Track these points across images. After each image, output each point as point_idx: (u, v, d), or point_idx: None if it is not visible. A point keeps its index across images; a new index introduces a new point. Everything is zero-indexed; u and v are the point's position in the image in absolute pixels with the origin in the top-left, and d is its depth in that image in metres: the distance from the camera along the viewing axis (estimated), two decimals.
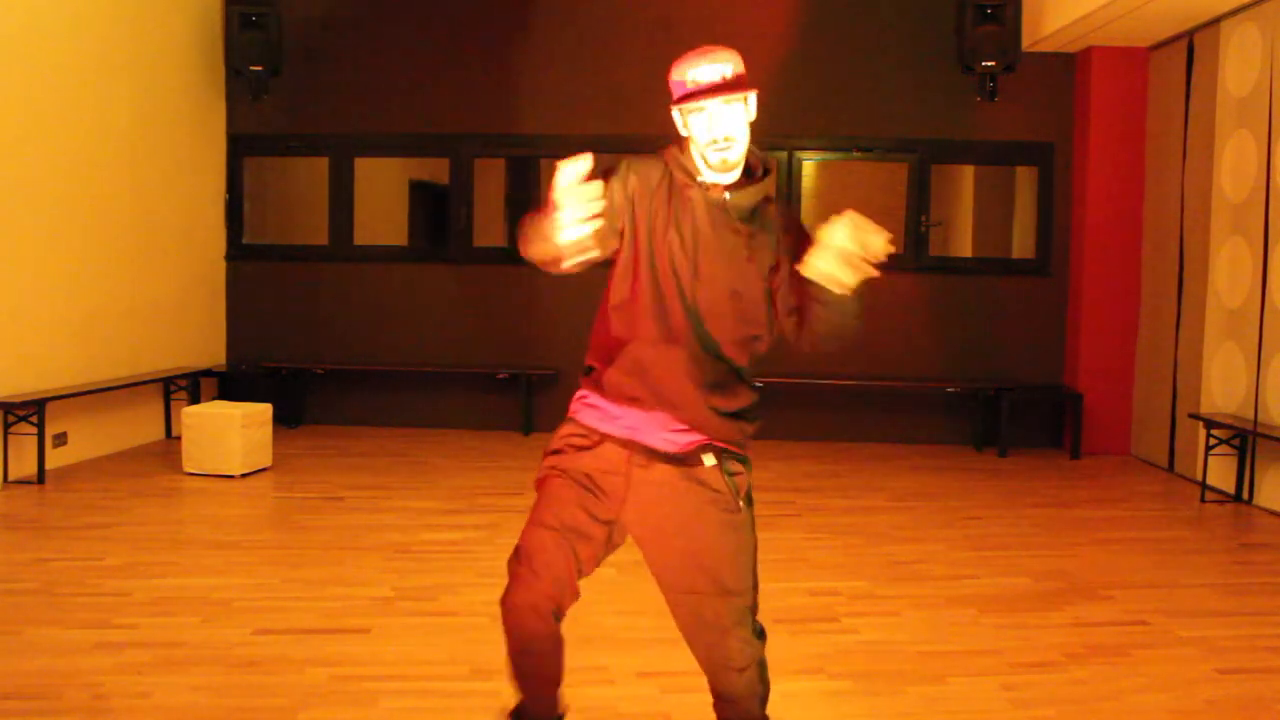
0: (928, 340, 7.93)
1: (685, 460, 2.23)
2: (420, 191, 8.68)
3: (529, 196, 8.45)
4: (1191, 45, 6.93)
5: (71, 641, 3.54)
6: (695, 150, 2.22)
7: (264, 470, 6.37)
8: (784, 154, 8.00)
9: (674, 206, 2.24)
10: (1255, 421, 6.03)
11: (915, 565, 4.75)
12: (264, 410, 6.43)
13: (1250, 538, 5.52)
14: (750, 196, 2.24)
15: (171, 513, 5.53)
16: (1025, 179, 8.10)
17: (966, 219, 8.54)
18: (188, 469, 6.20)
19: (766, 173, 2.29)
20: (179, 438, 6.52)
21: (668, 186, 2.25)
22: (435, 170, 8.31)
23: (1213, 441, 6.15)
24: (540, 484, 2.33)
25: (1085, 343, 7.70)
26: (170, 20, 7.45)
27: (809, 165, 8.07)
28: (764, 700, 2.34)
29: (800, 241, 2.17)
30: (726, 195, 2.22)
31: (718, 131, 2.17)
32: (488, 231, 8.23)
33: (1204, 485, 6.26)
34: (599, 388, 2.28)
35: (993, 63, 7.27)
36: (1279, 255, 5.94)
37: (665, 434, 2.23)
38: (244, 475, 6.17)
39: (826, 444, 7.79)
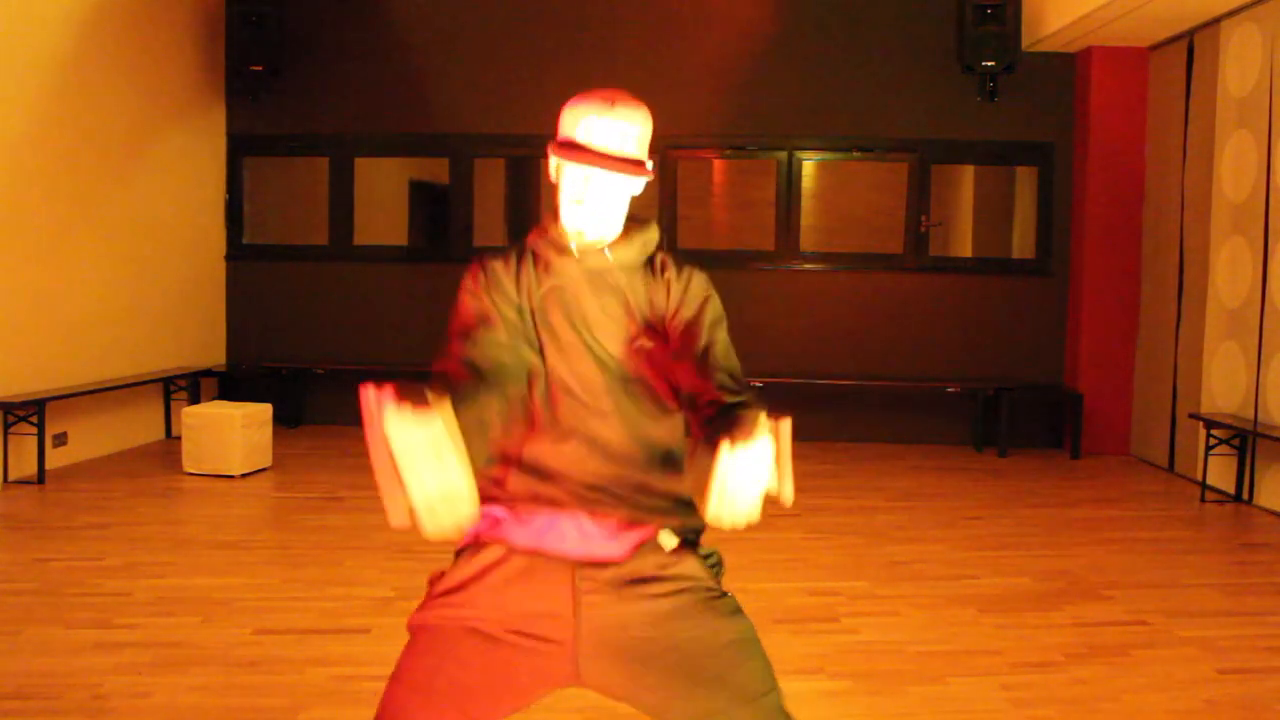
0: (928, 340, 7.93)
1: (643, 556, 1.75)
2: (420, 191, 8.68)
3: (529, 197, 8.46)
4: (1191, 45, 6.93)
5: (71, 641, 3.54)
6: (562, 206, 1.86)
7: (264, 470, 6.37)
8: (784, 154, 8.00)
9: (547, 286, 1.85)
10: (1255, 421, 6.02)
11: (915, 565, 4.75)
12: (264, 410, 6.43)
13: (1250, 538, 5.52)
14: (635, 251, 1.88)
15: (171, 513, 5.53)
16: (1025, 179, 8.10)
17: (966, 219, 8.54)
18: (188, 469, 6.20)
19: (645, 224, 1.92)
20: (179, 438, 6.52)
21: (531, 268, 1.87)
22: (435, 170, 8.31)
23: (1213, 441, 6.15)
24: (425, 631, 1.74)
25: (1085, 343, 7.70)
26: (170, 20, 7.45)
27: (809, 165, 8.07)
28: None
29: (692, 307, 1.83)
30: (607, 253, 1.85)
31: (591, 200, 1.80)
32: (487, 231, 8.23)
33: (1204, 485, 6.25)
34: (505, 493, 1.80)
35: (993, 63, 7.27)
36: (1279, 255, 5.94)
37: (607, 539, 1.75)
38: (244, 475, 6.17)
39: (826, 444, 7.79)
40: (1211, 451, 6.16)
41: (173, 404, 7.47)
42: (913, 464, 7.19)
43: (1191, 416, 6.61)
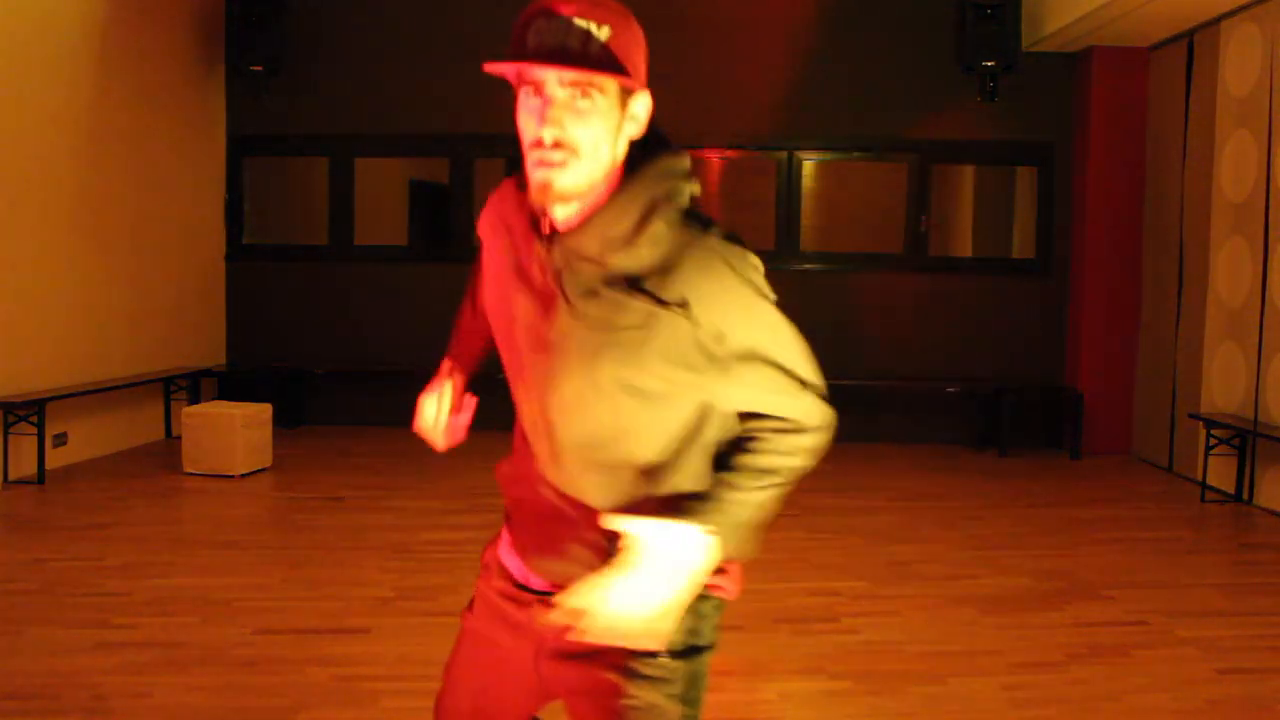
0: (928, 340, 7.93)
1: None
2: (420, 191, 8.68)
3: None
4: (1191, 45, 6.93)
5: (71, 641, 3.54)
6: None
7: (264, 470, 6.37)
8: (784, 154, 8.00)
9: (520, 252, 1.43)
10: (1255, 421, 6.02)
11: (915, 565, 4.75)
12: (264, 410, 6.43)
13: (1250, 538, 5.52)
14: (602, 233, 1.33)
15: (171, 513, 5.53)
16: (1025, 179, 8.10)
17: (966, 219, 8.54)
18: (188, 469, 6.20)
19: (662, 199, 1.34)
20: (179, 438, 6.52)
21: (522, 220, 1.44)
22: (435, 170, 8.31)
23: (1213, 441, 6.15)
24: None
25: (1085, 343, 7.70)
26: (170, 19, 7.45)
27: (809, 165, 8.06)
28: None
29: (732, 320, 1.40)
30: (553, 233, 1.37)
31: (546, 130, 1.27)
32: None
33: (1204, 485, 6.25)
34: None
35: (993, 63, 7.28)
36: (1279, 255, 5.94)
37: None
38: (244, 475, 6.17)
39: None
40: (1211, 451, 6.16)
41: (173, 404, 7.47)
42: (913, 464, 7.19)
43: (1191, 416, 6.61)
